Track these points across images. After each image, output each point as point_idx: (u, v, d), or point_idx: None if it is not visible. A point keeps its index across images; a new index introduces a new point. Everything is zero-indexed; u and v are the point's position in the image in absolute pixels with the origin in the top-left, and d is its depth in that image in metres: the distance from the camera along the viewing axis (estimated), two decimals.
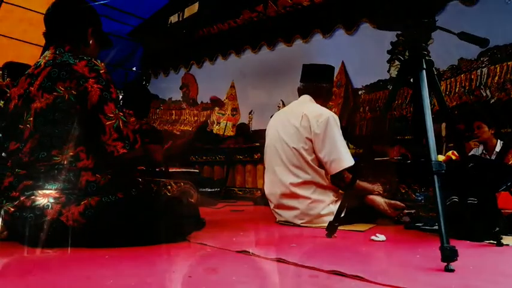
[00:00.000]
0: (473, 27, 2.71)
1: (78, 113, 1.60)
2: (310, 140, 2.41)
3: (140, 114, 3.60)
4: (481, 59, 4.04)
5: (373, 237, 1.90)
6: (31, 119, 1.62)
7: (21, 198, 1.54)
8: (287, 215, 2.47)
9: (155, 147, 2.06)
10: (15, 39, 6.11)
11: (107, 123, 1.61)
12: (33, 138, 1.60)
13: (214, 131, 6.40)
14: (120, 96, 2.54)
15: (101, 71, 1.65)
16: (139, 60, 7.79)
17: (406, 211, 2.49)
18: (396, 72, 4.56)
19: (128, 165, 1.79)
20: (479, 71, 4.04)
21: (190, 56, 7.08)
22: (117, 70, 7.15)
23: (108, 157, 1.61)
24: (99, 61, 1.68)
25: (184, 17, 6.21)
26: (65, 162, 1.58)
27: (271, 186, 2.56)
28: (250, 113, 6.23)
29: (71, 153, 1.59)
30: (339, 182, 2.41)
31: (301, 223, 2.41)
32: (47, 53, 1.73)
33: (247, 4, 5.83)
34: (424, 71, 1.62)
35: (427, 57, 1.65)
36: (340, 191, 2.48)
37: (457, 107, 4.10)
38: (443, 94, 3.14)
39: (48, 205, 1.53)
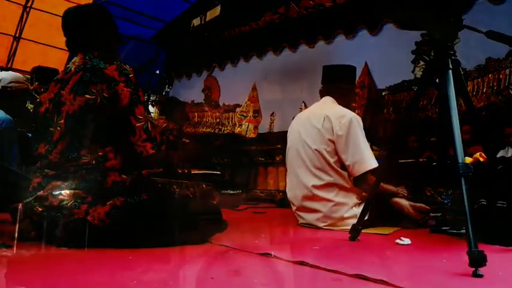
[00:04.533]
0: (501, 26, 2.63)
1: (109, 114, 1.64)
2: (333, 142, 2.40)
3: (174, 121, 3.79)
4: (510, 58, 3.92)
5: (397, 241, 1.87)
6: (62, 121, 1.66)
7: (49, 198, 1.59)
8: (309, 217, 2.46)
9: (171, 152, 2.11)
10: (44, 44, 6.31)
11: (137, 124, 1.66)
12: (63, 139, 1.65)
13: (236, 133, 6.43)
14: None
15: (130, 75, 1.70)
16: (162, 63, 7.90)
17: (432, 214, 2.45)
18: (421, 73, 4.47)
19: (155, 165, 1.83)
20: (507, 70, 3.92)
21: (213, 59, 7.13)
22: (141, 73, 7.28)
23: (138, 157, 1.66)
24: (127, 65, 1.73)
25: (207, 20, 6.25)
26: (94, 162, 1.62)
27: (293, 189, 2.56)
28: (271, 114, 6.23)
29: (100, 153, 1.63)
30: (362, 185, 2.39)
31: (324, 226, 2.40)
32: (76, 59, 1.78)
33: (269, 6, 5.83)
34: (450, 71, 1.58)
35: (453, 57, 1.61)
36: (364, 194, 2.45)
37: (485, 108, 3.99)
38: (470, 95, 3.06)
39: (75, 205, 1.56)
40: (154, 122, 1.74)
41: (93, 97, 1.63)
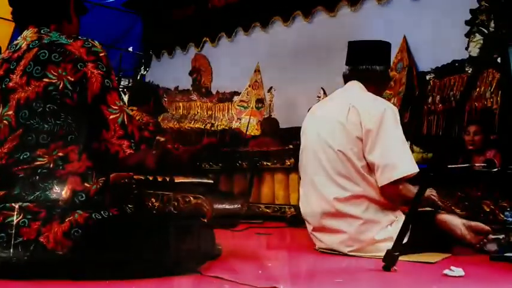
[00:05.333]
0: None
1: (74, 104, 1.66)
2: (361, 140, 2.39)
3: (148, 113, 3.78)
4: None
5: (446, 272, 1.87)
6: (11, 112, 1.67)
7: None
8: (330, 240, 2.46)
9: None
10: None
11: (111, 116, 1.68)
12: (13, 135, 1.65)
13: (233, 129, 6.43)
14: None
15: (101, 54, 1.72)
16: (137, 37, 7.91)
17: (492, 236, 2.42)
18: (478, 50, 4.45)
19: (132, 170, 1.84)
20: None
21: (203, 31, 7.13)
22: (110, 51, 7.30)
23: (111, 159, 1.68)
24: (96, 42, 1.74)
25: None
26: (51, 165, 1.63)
27: (309, 203, 2.55)
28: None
29: (60, 154, 1.64)
30: (391, 196, 2.38)
31: (349, 251, 2.39)
32: (27, 33, 1.79)
33: None
34: None
35: None
36: (401, 208, 2.45)
37: None
38: None
39: (24, 222, 1.56)
40: (132, 113, 1.75)
41: (54, 81, 1.65)
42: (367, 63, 2.59)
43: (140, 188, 2.45)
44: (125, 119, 1.70)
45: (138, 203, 2.25)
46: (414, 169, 2.34)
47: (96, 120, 1.68)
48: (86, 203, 1.63)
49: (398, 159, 2.34)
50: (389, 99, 4.94)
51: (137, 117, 3.64)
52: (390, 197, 2.39)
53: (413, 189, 2.30)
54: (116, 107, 1.69)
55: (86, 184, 1.65)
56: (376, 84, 2.60)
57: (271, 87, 6.24)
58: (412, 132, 4.74)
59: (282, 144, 5.20)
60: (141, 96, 4.13)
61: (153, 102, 4.06)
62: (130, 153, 1.69)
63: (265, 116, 6.26)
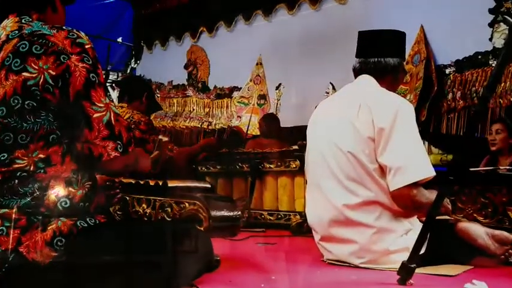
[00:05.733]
0: None
1: (57, 100, 1.65)
2: (373, 140, 2.40)
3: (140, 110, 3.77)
4: None
5: (468, 286, 1.88)
6: None
7: None
8: (339, 251, 2.47)
9: (140, 152, 2.12)
10: None
11: (95, 115, 1.67)
12: None
13: (233, 128, 6.42)
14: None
15: (87, 46, 1.71)
16: (128, 27, 7.92)
17: None
18: (503, 41, 4.46)
19: (118, 175, 1.84)
20: None
21: (199, 20, 7.13)
22: (97, 42, 7.31)
23: (94, 162, 1.67)
24: (82, 33, 1.74)
25: None
26: (31, 168, 1.63)
27: (316, 209, 2.57)
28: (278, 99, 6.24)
29: (41, 156, 1.64)
30: (404, 202, 2.37)
31: (361, 263, 2.41)
32: (7, 22, 1.79)
33: None
34: None
35: None
36: (419, 216, 2.46)
37: None
38: None
39: (2, 230, 1.57)
40: (119, 112, 1.75)
41: (35, 75, 1.64)
42: (380, 56, 2.60)
43: (129, 192, 2.47)
44: (111, 118, 1.69)
45: (127, 209, 2.27)
46: (430, 172, 2.35)
47: (79, 119, 1.67)
48: (70, 209, 1.63)
49: (413, 162, 2.34)
50: (404, 95, 4.95)
51: (127, 115, 3.63)
52: (402, 203, 2.38)
53: (428, 195, 2.31)
54: (102, 105, 1.68)
55: (70, 189, 1.65)
56: (390, 79, 2.61)
57: (279, 84, 6.20)
58: (429, 131, 4.75)
59: (286, 145, 5.20)
60: (131, 91, 4.10)
61: (146, 99, 4.03)
62: (115, 157, 1.67)
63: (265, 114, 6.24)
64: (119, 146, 1.69)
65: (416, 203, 2.33)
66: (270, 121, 5.83)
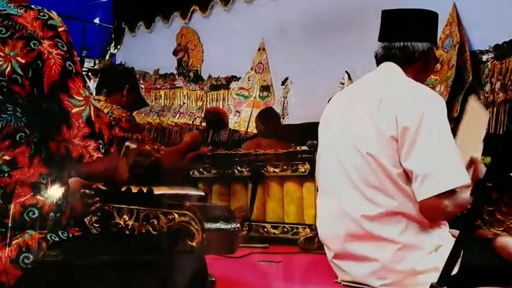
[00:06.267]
0: None
1: (26, 92, 1.64)
2: (397, 141, 2.39)
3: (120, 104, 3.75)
4: None
5: None
6: None
7: None
8: (357, 270, 2.46)
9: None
10: None
11: (73, 110, 1.66)
12: None
13: (231, 126, 6.42)
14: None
15: (60, 29, 1.70)
16: (106, 6, 7.93)
17: None
18: None
19: (97, 180, 1.83)
20: None
21: None
22: (70, 23, 7.31)
23: (74, 164, 1.68)
24: (54, 12, 1.73)
25: None
26: None
27: (330, 221, 2.56)
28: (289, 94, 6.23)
29: (6, 157, 1.63)
30: (433, 215, 2.37)
31: (382, 285, 2.39)
32: None
33: None
34: None
35: None
36: (451, 230, 2.45)
37: None
38: None
39: None
40: (100, 107, 1.76)
41: (0, 64, 1.63)
42: (407, 39, 2.58)
43: (107, 201, 2.46)
44: (92, 114, 1.69)
45: (105, 220, 2.25)
46: (465, 180, 2.32)
47: (53, 114, 1.66)
48: (39, 220, 1.63)
49: (444, 167, 2.32)
50: (433, 87, 4.93)
51: (105, 110, 3.62)
52: (431, 215, 2.38)
53: (463, 205, 2.30)
54: (81, 98, 1.68)
55: (38, 197, 1.65)
56: (419, 67, 2.60)
57: (286, 79, 6.19)
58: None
59: (290, 145, 5.20)
60: (110, 82, 4.09)
61: (127, 92, 4.01)
62: (98, 158, 1.68)
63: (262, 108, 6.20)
64: (101, 145, 1.69)
65: (449, 216, 2.35)
66: (267, 118, 5.79)
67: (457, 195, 2.31)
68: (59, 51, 1.67)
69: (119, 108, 3.80)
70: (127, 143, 2.83)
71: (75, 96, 1.67)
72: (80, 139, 1.66)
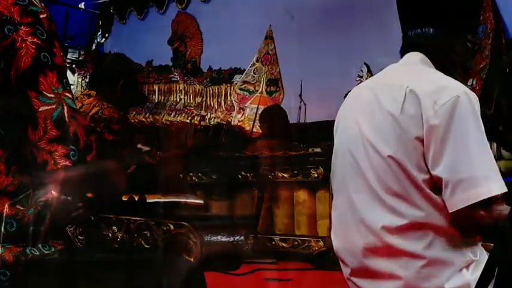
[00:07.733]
0: None
1: None
2: (423, 142, 2.38)
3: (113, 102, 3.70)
4: None
5: None
6: None
7: None
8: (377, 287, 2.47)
9: (111, 164, 2.12)
10: None
11: (41, 108, 1.66)
12: None
13: (233, 124, 6.43)
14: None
15: (42, 16, 1.71)
16: None
17: None
18: None
19: (73, 190, 1.83)
20: None
21: None
22: (51, 8, 7.33)
23: (37, 172, 1.67)
24: None
25: None
26: None
27: (346, 233, 2.56)
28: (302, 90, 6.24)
29: None
30: (467, 227, 2.37)
31: None
32: None
33: None
34: None
35: None
36: (484, 243, 2.45)
37: None
38: None
39: None
40: (76, 105, 1.74)
41: None
42: (436, 27, 2.58)
43: (94, 210, 2.47)
44: (64, 114, 1.68)
45: (92, 232, 2.27)
46: (501, 187, 2.29)
47: (21, 113, 1.67)
48: (18, 233, 1.64)
49: (477, 173, 2.30)
50: (465, 82, 4.91)
51: (94, 109, 3.54)
52: (465, 228, 2.37)
53: (500, 216, 2.30)
54: (52, 95, 1.67)
55: (18, 207, 1.66)
56: (449, 59, 2.59)
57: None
58: (498, 130, 4.74)
59: (305, 147, 5.21)
60: (102, 75, 4.02)
61: (122, 87, 3.92)
62: (64, 166, 1.66)
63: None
64: (72, 152, 1.67)
65: (485, 228, 2.33)
66: (271, 116, 5.77)
67: (493, 204, 2.33)
68: (35, 39, 1.67)
69: (110, 107, 3.62)
70: (139, 145, 2.85)
71: (44, 92, 1.66)
72: (46, 143, 1.65)
